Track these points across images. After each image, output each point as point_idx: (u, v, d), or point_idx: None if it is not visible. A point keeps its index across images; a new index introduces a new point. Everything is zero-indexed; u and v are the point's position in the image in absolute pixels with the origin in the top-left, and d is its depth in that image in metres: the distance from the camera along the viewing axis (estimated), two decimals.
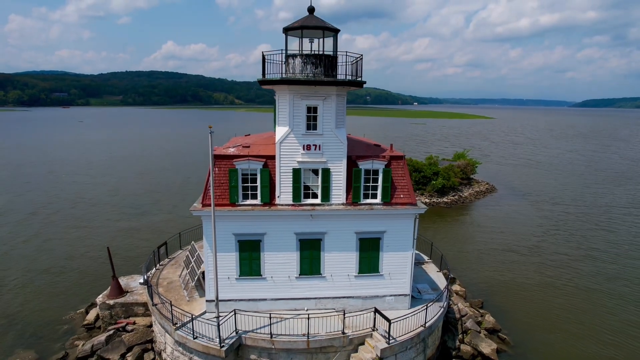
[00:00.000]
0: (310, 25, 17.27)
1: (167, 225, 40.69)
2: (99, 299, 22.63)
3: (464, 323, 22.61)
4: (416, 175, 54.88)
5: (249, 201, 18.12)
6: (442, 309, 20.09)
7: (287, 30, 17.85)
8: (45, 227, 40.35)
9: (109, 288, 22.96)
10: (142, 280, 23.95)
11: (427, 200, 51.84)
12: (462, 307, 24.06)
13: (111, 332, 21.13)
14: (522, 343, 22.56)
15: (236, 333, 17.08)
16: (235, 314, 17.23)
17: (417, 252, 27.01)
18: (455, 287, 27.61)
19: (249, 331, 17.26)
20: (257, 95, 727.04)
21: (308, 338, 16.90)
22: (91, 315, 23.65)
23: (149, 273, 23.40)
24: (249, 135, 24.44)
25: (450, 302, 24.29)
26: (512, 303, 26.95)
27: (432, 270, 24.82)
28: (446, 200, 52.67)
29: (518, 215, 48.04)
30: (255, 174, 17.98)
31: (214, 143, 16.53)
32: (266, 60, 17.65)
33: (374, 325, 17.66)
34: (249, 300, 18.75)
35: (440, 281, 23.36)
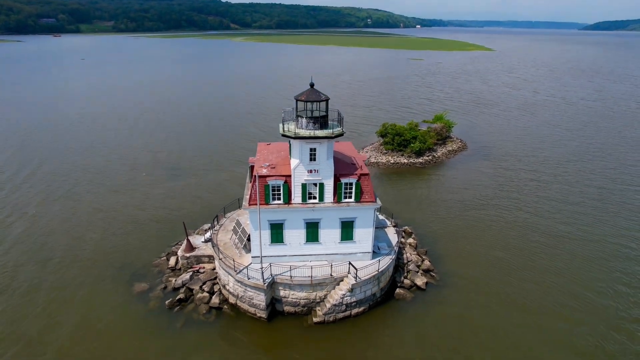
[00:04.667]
0: (311, 98, 28.40)
1: (209, 193, 53.21)
2: (180, 253, 35.92)
3: (408, 266, 36.16)
4: (398, 138, 66.26)
5: (276, 201, 30.41)
6: (392, 260, 33.40)
7: (297, 100, 28.88)
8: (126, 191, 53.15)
9: (184, 245, 36.15)
10: (203, 240, 37.14)
11: (405, 161, 63.93)
12: (409, 255, 37.50)
13: (190, 273, 34.64)
14: (446, 278, 35.86)
15: (271, 275, 30.38)
16: (270, 265, 30.48)
17: (383, 217, 39.90)
18: (410, 240, 40.82)
19: (278, 274, 30.56)
20: (253, 19, 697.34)
21: (311, 278, 30.23)
22: (172, 262, 36.97)
23: (211, 232, 36.43)
24: (270, 144, 36.15)
25: (403, 252, 37.66)
26: (449, 249, 39.71)
27: (391, 232, 37.82)
28: (421, 160, 64.63)
29: (478, 172, 59.99)
30: (280, 186, 30.06)
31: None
32: (283, 116, 28.92)
33: (349, 271, 30.96)
34: (277, 256, 31.84)
35: (396, 240, 36.39)
